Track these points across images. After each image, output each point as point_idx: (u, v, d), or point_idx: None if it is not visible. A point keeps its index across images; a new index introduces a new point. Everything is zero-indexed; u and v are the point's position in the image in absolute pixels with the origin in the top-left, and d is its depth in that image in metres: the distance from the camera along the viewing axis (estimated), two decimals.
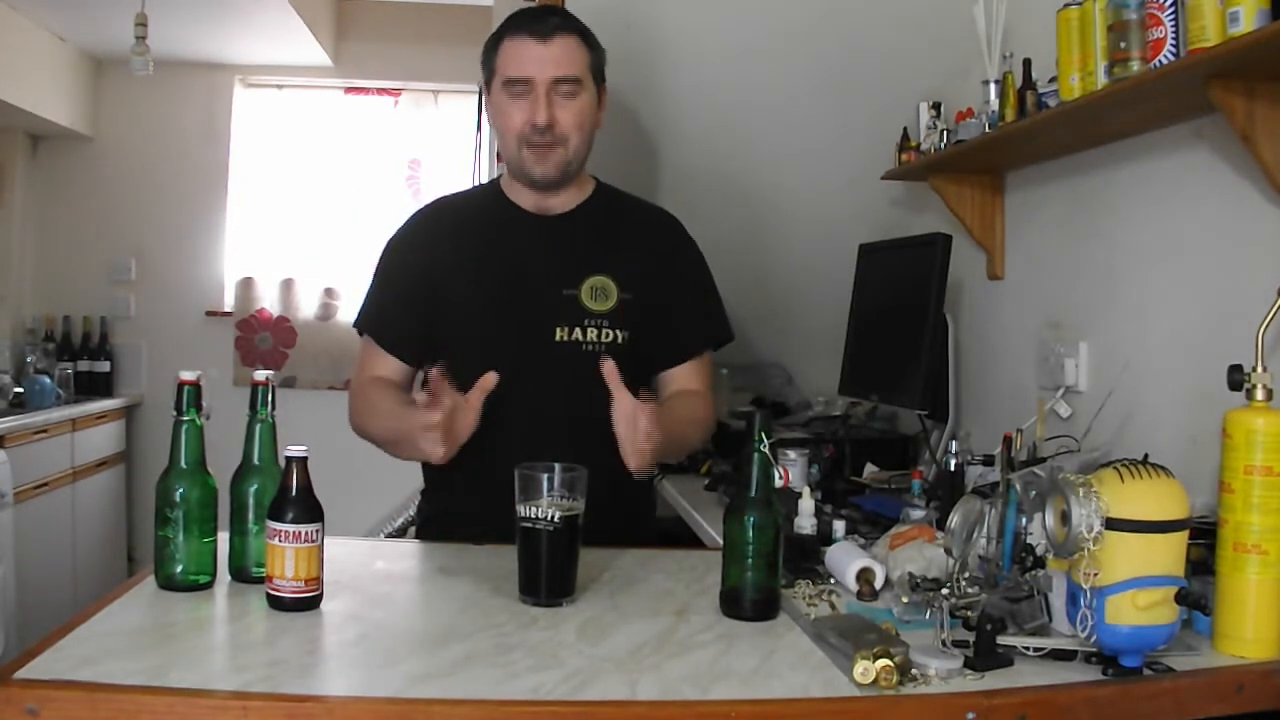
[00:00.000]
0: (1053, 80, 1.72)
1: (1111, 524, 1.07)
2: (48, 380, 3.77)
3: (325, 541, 1.21)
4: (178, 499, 1.25)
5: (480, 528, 1.50)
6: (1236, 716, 1.08)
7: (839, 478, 2.18)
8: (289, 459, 1.20)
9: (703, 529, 1.99)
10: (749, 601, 1.23)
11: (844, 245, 2.55)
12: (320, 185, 4.34)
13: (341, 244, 4.29)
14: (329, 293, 4.35)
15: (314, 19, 3.92)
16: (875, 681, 1.01)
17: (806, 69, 2.52)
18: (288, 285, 4.35)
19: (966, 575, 1.19)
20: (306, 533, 1.18)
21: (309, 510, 1.19)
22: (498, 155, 2.77)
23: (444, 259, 1.68)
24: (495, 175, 1.89)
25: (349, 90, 4.40)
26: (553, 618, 1.22)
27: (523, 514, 1.26)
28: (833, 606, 1.29)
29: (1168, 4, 1.38)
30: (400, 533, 2.85)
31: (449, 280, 1.67)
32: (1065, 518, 1.09)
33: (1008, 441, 1.52)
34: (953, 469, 1.76)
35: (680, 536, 2.06)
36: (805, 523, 1.47)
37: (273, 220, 4.36)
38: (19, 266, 4.18)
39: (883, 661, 1.02)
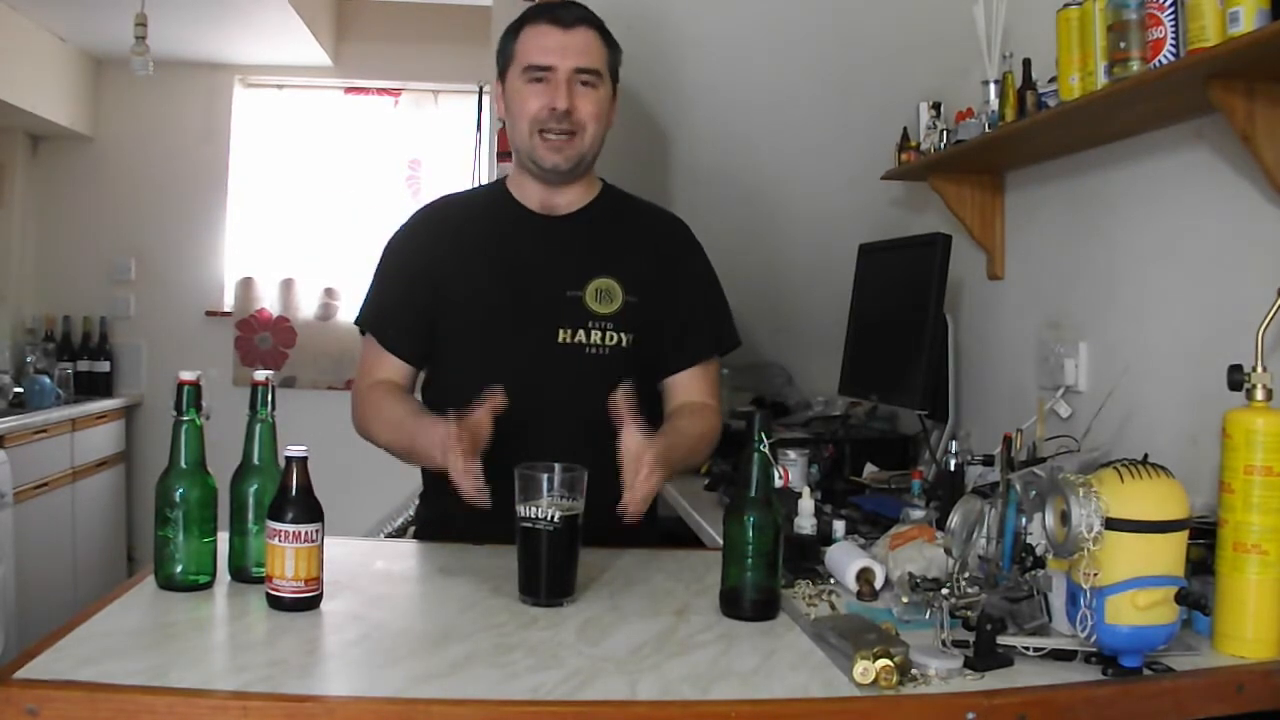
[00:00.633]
0: (1053, 80, 1.72)
1: (1111, 524, 1.07)
2: (48, 380, 3.76)
3: (325, 541, 1.21)
4: (178, 499, 1.25)
5: (479, 532, 1.49)
6: (1236, 716, 1.08)
7: (839, 478, 2.18)
8: (289, 459, 1.20)
9: (703, 529, 1.99)
10: (749, 601, 1.23)
11: (844, 245, 2.55)
12: (320, 185, 4.33)
13: (341, 244, 4.28)
14: (329, 293, 4.35)
15: (314, 19, 3.92)
16: (875, 681, 1.01)
17: (806, 69, 2.53)
18: (288, 285, 4.35)
19: (966, 575, 1.19)
20: (306, 533, 1.18)
21: (309, 510, 1.19)
22: (498, 156, 2.78)
23: (446, 258, 1.66)
24: (496, 176, 1.88)
25: (349, 90, 4.40)
26: (553, 618, 1.22)
27: (523, 514, 1.26)
28: (833, 606, 1.29)
29: (1168, 4, 1.38)
30: (400, 533, 2.86)
31: (451, 280, 1.65)
32: (1065, 518, 1.09)
33: (1008, 441, 1.52)
34: (953, 469, 1.77)
35: (680, 536, 2.06)
36: (805, 523, 1.47)
37: (273, 220, 4.35)
38: (19, 266, 4.18)
39: (883, 661, 1.02)
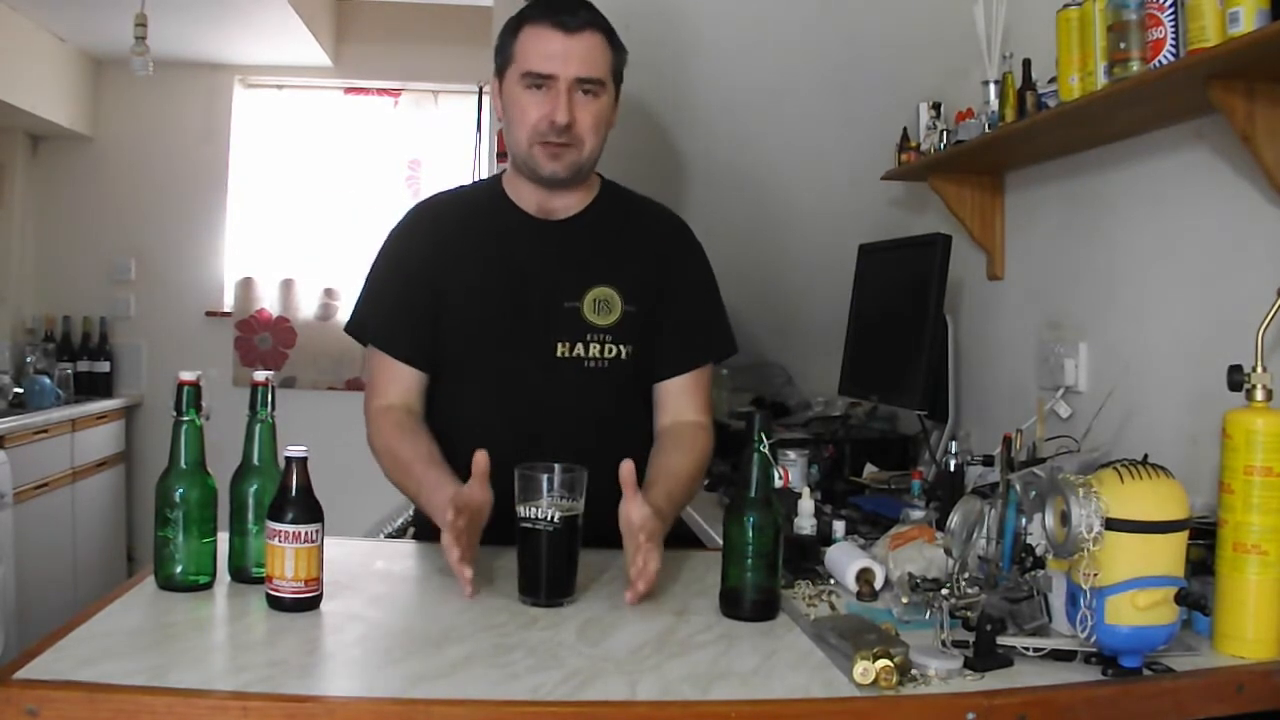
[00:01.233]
0: (1052, 80, 1.72)
1: (1111, 524, 1.07)
2: (48, 380, 3.77)
3: (325, 541, 1.21)
4: (177, 499, 1.25)
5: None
6: (1236, 716, 1.09)
7: (839, 478, 2.18)
8: (289, 459, 1.20)
9: (703, 529, 1.99)
10: (749, 602, 1.23)
11: (844, 245, 2.55)
12: (320, 185, 4.33)
13: (341, 244, 4.28)
14: (329, 293, 4.35)
15: (314, 19, 3.92)
16: (875, 682, 1.01)
17: (806, 69, 2.53)
18: (287, 285, 4.35)
19: (966, 575, 1.19)
20: (306, 533, 1.18)
21: (309, 510, 1.19)
22: (498, 156, 2.78)
23: (445, 265, 1.61)
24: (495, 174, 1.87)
25: (349, 90, 4.40)
26: (553, 618, 1.22)
27: (522, 514, 1.26)
28: (832, 607, 1.29)
29: (1168, 4, 1.38)
30: (400, 533, 2.85)
31: (448, 289, 1.60)
32: (1065, 518, 1.09)
33: (1007, 442, 1.52)
34: (952, 469, 1.76)
35: (680, 536, 2.05)
36: (805, 523, 1.47)
37: (272, 220, 4.35)
38: (19, 266, 4.18)
39: (883, 662, 1.02)
